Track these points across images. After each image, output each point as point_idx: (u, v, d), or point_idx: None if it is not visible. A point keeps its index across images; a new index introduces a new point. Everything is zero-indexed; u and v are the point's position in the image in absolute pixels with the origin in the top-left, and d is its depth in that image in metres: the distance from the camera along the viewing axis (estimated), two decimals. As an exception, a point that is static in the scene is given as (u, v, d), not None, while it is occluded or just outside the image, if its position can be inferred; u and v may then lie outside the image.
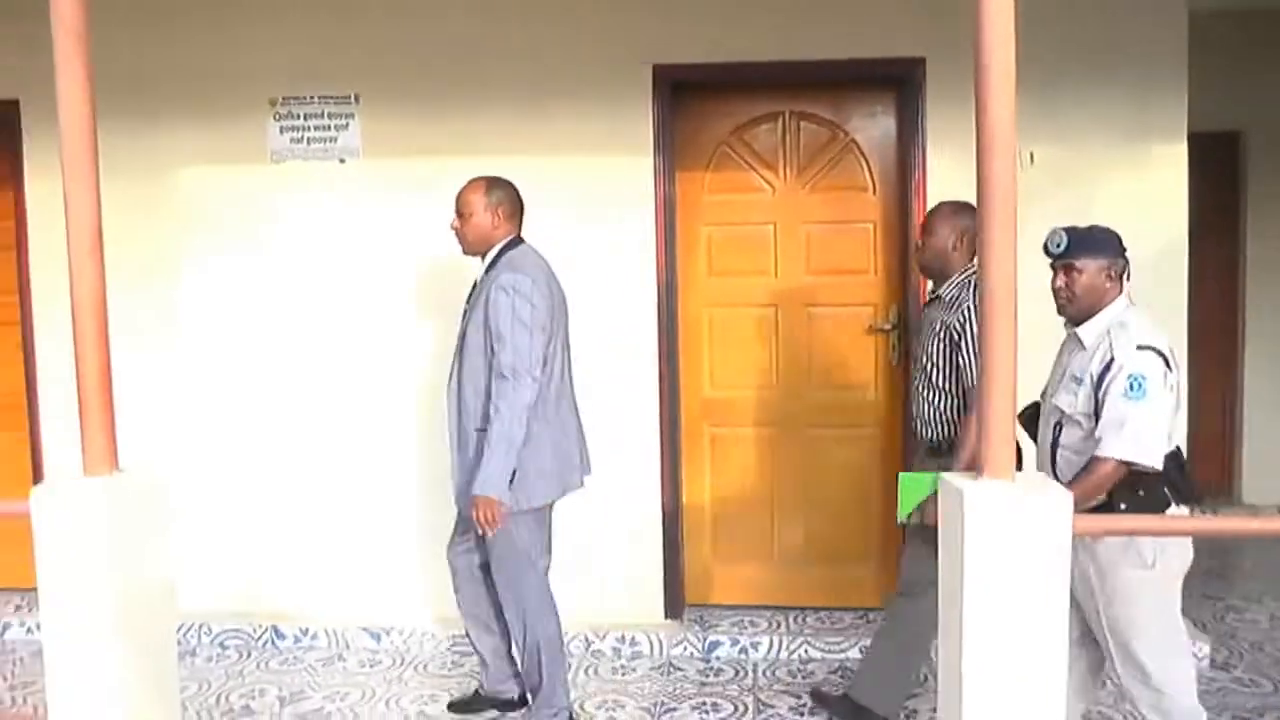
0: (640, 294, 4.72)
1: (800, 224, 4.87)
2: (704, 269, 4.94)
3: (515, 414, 3.45)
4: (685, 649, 4.73)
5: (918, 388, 3.77)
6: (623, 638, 4.73)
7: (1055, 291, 3.15)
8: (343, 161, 4.81)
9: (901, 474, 3.49)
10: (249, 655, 4.80)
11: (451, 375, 3.73)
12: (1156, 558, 3.00)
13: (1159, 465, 2.94)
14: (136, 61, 4.81)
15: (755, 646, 4.71)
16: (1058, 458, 3.12)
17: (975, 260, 3.41)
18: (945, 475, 2.42)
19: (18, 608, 5.27)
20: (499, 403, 3.47)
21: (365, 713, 4.15)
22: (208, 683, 4.50)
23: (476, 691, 4.14)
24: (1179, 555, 3.04)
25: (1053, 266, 3.15)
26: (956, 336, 3.54)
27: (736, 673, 4.54)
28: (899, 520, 3.43)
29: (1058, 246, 3.11)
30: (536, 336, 3.51)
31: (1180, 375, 3.11)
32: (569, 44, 4.67)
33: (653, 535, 4.80)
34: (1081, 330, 3.12)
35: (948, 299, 3.64)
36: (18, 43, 5.06)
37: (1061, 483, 2.95)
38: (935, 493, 2.64)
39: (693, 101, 4.82)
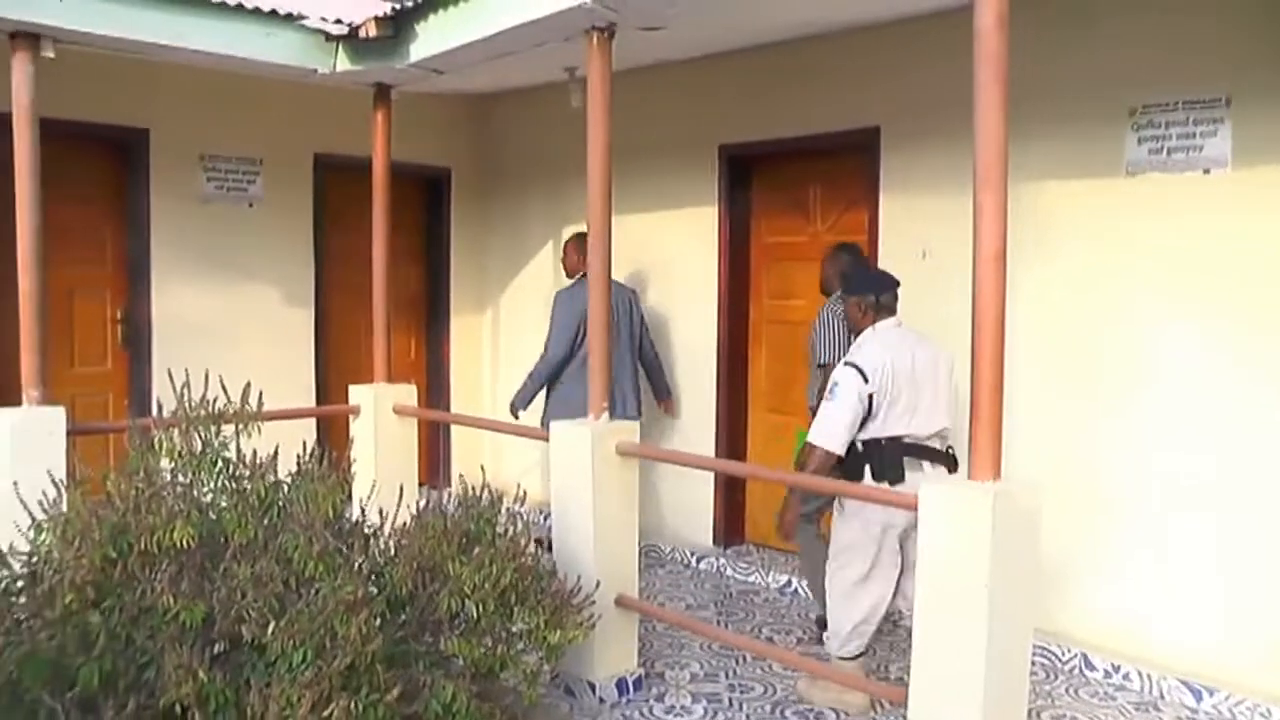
0: None
1: None
2: None
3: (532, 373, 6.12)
4: None
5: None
6: None
7: None
8: (1207, 172, 4.53)
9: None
10: (1056, 677, 4.76)
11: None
12: (853, 512, 4.29)
13: (832, 448, 4.17)
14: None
15: None
16: None
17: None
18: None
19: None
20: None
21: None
22: (1018, 695, 4.54)
23: None
24: (880, 514, 4.18)
25: None
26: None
27: None
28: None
29: None
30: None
31: (898, 382, 4.21)
32: None
33: None
34: None
35: None
36: (879, 74, 5.60)
37: None
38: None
39: None
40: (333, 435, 6.48)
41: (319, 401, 7.03)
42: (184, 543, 2.97)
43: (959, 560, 2.86)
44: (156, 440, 3.38)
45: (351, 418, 5.68)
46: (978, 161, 2.85)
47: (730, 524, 6.58)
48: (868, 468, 4.23)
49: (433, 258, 7.99)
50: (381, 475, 5.10)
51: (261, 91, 6.28)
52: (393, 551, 3.49)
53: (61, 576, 2.79)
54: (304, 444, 3.63)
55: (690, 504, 6.58)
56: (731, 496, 6.57)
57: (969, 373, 2.92)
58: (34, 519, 3.07)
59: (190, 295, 6.48)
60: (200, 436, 3.43)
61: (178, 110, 6.39)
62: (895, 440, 4.21)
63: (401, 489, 3.78)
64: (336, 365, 7.16)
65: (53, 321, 5.30)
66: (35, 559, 3.00)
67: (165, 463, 3.35)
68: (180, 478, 3.29)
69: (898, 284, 4.47)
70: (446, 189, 7.94)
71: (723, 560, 6.31)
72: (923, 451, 4.26)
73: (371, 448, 5.53)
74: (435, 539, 3.47)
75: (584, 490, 4.23)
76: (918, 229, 5.47)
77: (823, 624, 4.87)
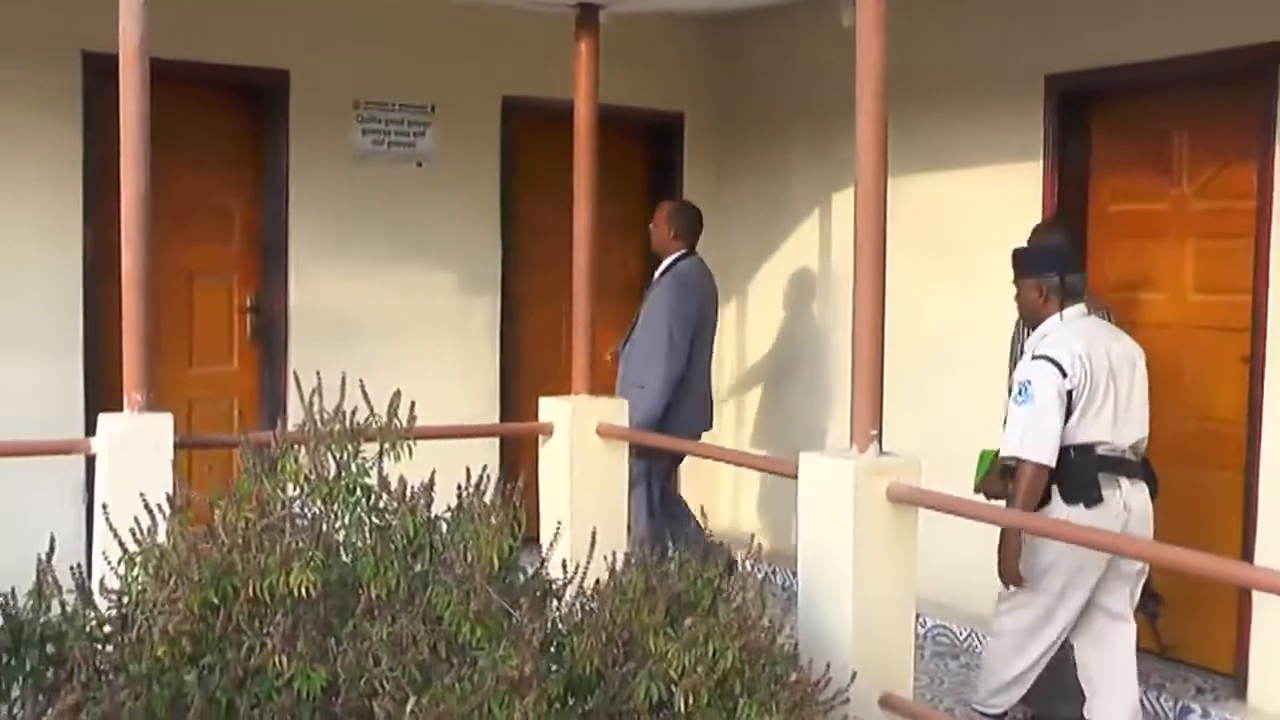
0: None
1: None
2: None
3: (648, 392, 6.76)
4: None
5: None
6: None
7: None
8: None
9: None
10: None
11: None
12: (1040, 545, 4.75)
13: (1043, 459, 4.59)
14: None
15: None
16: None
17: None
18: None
19: (1199, 690, 5.69)
20: None
21: None
22: None
23: None
24: (1062, 550, 4.65)
25: None
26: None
27: None
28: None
29: None
30: None
31: (1097, 378, 4.66)
32: None
33: None
34: None
35: None
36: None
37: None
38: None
39: None
40: (522, 461, 6.57)
41: (504, 416, 7.19)
42: (304, 590, 3.05)
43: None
44: (280, 460, 3.50)
45: (541, 439, 5.76)
46: None
47: (1053, 604, 6.33)
48: (1055, 488, 4.65)
49: (657, 232, 8.06)
50: (576, 515, 5.15)
51: (432, 19, 6.50)
52: (578, 617, 3.50)
53: (153, 623, 2.92)
54: (467, 471, 3.68)
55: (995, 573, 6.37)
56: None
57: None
58: (125, 550, 3.23)
59: (338, 280, 6.79)
60: (335, 457, 3.54)
61: (325, 46, 6.69)
62: (1087, 450, 4.65)
63: (594, 534, 3.79)
64: (528, 370, 7.37)
65: (167, 311, 5.62)
66: (126, 599, 3.16)
67: (290, 489, 3.46)
68: (305, 508, 3.40)
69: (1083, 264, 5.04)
70: (677, 141, 8.06)
71: (1043, 652, 6.08)
72: (1120, 465, 4.71)
73: (565, 478, 5.58)
74: (634, 603, 3.46)
75: (841, 547, 4.13)
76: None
77: None
